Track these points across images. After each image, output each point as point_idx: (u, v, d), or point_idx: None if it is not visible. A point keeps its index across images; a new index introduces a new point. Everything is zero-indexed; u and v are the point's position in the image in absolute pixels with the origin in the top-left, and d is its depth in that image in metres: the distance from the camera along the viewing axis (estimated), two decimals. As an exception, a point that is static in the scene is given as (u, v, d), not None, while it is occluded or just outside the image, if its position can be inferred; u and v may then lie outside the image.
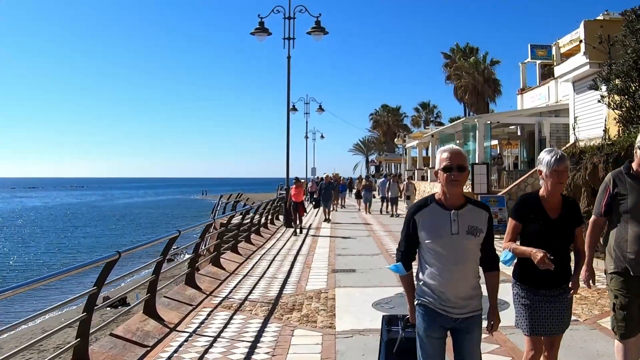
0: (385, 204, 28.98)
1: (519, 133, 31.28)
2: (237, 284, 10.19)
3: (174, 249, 21.08)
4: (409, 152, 46.91)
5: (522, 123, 27.11)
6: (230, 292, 9.52)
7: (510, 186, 20.39)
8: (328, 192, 23.49)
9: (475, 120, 22.85)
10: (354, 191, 33.92)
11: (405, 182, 25.16)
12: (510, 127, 30.92)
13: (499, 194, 20.18)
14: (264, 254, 14.33)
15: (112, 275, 6.35)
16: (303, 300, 8.64)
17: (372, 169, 78.54)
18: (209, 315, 7.90)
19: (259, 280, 10.59)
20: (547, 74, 37.29)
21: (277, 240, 17.23)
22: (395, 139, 63.83)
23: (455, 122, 27.03)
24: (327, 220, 22.58)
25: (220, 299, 8.97)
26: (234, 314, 7.89)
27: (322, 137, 67.79)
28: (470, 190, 22.71)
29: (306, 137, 58.10)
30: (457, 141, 28.61)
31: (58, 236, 45.42)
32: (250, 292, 9.41)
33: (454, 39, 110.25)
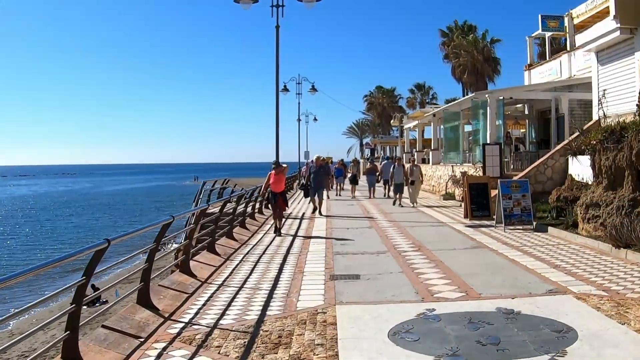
0: (388, 188, 27.49)
1: (526, 111, 28.99)
2: (207, 300, 7.87)
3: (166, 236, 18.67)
4: (407, 133, 44.50)
5: (537, 99, 24.76)
6: (196, 313, 7.19)
7: (528, 169, 18.14)
8: (319, 178, 19.11)
9: (487, 95, 20.44)
10: (349, 175, 30.59)
11: (409, 165, 21.49)
12: (517, 105, 28.63)
13: (516, 177, 17.90)
14: (248, 252, 12.02)
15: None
16: (293, 328, 6.33)
17: (367, 151, 76.23)
18: (159, 356, 5.60)
19: (237, 292, 8.28)
20: (543, 51, 35.03)
21: (266, 233, 14.92)
22: (392, 121, 61.59)
23: (462, 99, 24.64)
24: (317, 212, 18.96)
25: (182, 325, 6.64)
26: (195, 354, 5.59)
27: (315, 119, 65.40)
28: (481, 173, 20.46)
29: (298, 119, 55.64)
30: (464, 120, 26.33)
31: (39, 227, 43.11)
32: (223, 314, 7.08)
33: (451, 17, 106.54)
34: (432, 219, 16.97)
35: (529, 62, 30.38)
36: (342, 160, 41.03)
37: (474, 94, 21.25)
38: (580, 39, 18.52)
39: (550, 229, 13.64)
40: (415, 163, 21.98)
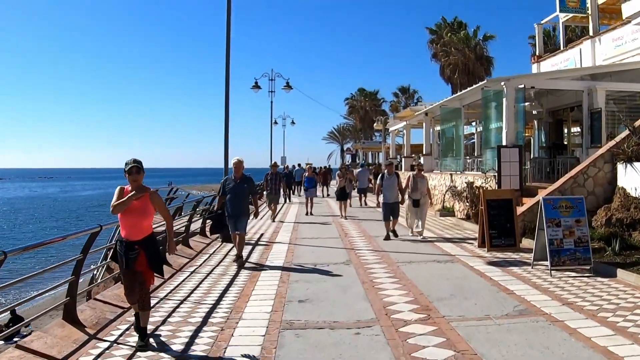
0: (364, 197, 25.10)
1: (534, 112, 24.44)
2: None
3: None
4: (393, 137, 39.82)
5: (551, 95, 20.28)
6: None
7: (564, 179, 13.52)
8: (239, 199, 10.76)
9: (502, 83, 15.73)
10: (335, 188, 21.38)
11: (410, 175, 13.88)
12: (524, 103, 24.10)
13: (548, 190, 13.29)
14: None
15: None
16: None
17: (348, 157, 71.78)
18: None
19: None
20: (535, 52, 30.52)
21: (193, 273, 10.05)
22: (375, 124, 57.18)
23: (465, 90, 19.90)
24: (237, 259, 10.71)
25: None
26: None
27: (292, 123, 60.42)
28: (495, 184, 15.80)
29: (274, 122, 50.71)
30: (465, 119, 21.68)
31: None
32: None
33: (437, 16, 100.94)
34: (435, 249, 12.19)
35: (537, 53, 25.98)
36: (314, 167, 34.96)
37: (485, 81, 16.56)
38: (628, 8, 13.99)
39: (620, 272, 8.98)
40: (421, 172, 14.16)
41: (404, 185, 13.90)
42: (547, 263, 9.43)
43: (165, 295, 8.18)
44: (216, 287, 8.73)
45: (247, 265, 10.59)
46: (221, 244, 13.45)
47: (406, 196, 13.80)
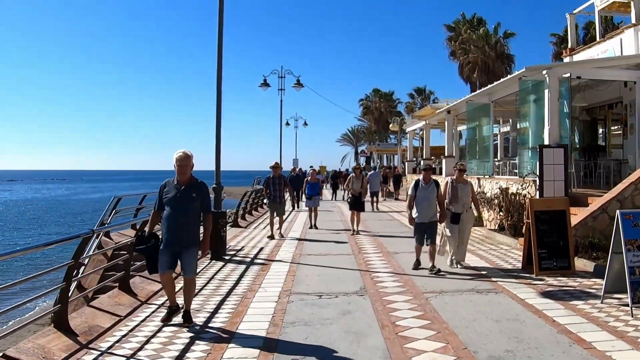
0: (376, 201, 23.92)
1: (565, 109, 22.05)
2: None
3: None
4: (410, 138, 37.47)
5: (588, 90, 17.90)
6: None
7: (622, 186, 11.21)
8: (183, 216, 6.57)
9: (544, 72, 13.37)
10: (347, 196, 16.95)
11: (448, 180, 10.48)
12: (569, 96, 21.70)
13: (603, 198, 11.00)
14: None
15: None
16: None
17: (362, 160, 69.50)
18: None
19: None
20: (559, 51, 28.04)
21: (162, 305, 7.84)
22: (391, 125, 54.92)
23: (497, 82, 17.35)
24: (180, 317, 6.78)
25: None
26: None
27: (305, 124, 58.28)
28: (536, 192, 13.50)
29: (286, 123, 48.64)
30: (494, 117, 19.31)
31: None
32: None
33: (454, 14, 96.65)
34: (471, 272, 9.87)
35: (570, 46, 23.56)
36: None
37: (523, 70, 14.12)
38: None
39: None
40: (463, 175, 10.52)
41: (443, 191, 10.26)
42: (623, 296, 7.22)
43: (111, 346, 5.99)
44: (187, 328, 6.55)
45: (232, 295, 8.39)
46: (210, 262, 11.24)
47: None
